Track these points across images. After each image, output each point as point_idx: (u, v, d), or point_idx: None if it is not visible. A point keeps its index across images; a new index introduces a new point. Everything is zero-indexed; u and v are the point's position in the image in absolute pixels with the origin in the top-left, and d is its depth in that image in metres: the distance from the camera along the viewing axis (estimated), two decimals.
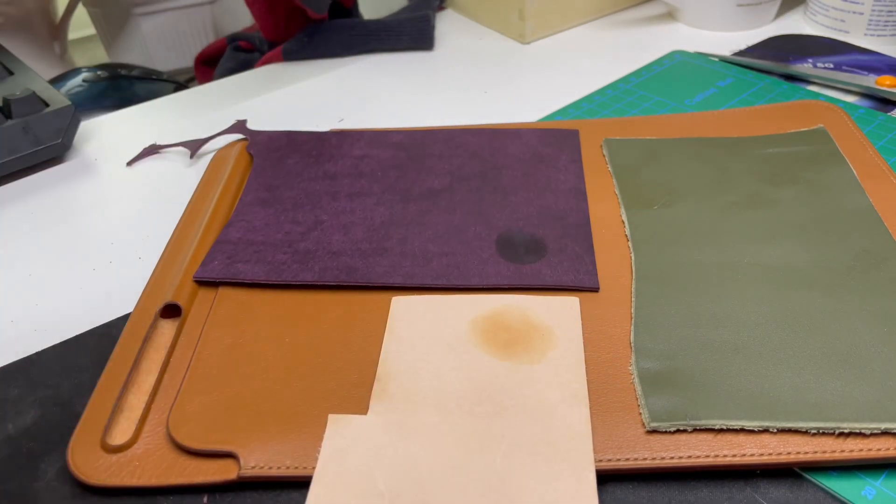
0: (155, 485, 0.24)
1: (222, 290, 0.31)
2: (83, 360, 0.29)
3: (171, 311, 0.30)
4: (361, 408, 0.25)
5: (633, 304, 0.29)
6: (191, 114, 0.47)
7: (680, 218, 0.33)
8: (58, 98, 0.42)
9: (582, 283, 0.30)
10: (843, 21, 0.49)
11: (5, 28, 0.61)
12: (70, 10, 0.67)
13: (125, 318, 0.31)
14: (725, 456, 0.23)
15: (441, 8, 0.59)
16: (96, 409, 0.26)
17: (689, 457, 0.23)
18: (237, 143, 0.41)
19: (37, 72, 0.46)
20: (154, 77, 0.60)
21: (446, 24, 0.56)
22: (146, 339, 0.29)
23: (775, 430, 0.23)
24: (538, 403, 0.24)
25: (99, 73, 0.57)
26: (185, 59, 0.69)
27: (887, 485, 0.23)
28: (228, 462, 0.24)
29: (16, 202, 0.40)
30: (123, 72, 0.59)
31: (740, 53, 0.48)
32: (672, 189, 0.34)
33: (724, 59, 0.48)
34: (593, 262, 0.31)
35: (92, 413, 0.26)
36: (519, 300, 0.29)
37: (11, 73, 0.45)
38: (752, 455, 0.23)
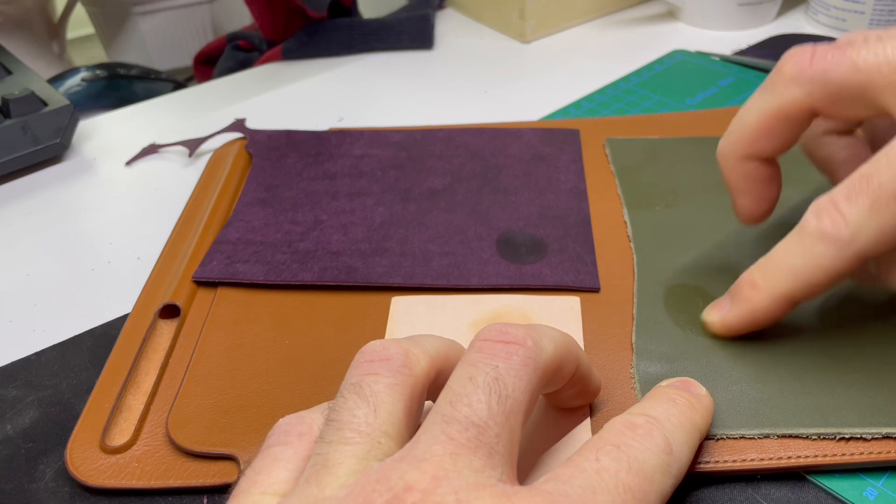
0: (154, 486, 0.24)
1: (221, 291, 0.31)
2: (82, 360, 0.29)
3: (170, 311, 0.30)
4: None
5: (634, 306, 0.28)
6: (190, 113, 0.47)
7: (682, 218, 0.32)
8: (56, 97, 0.42)
9: (583, 284, 0.30)
10: (844, 20, 0.48)
11: (4, 27, 0.61)
12: (69, 9, 0.67)
13: (124, 318, 0.31)
14: (727, 462, 0.23)
15: (441, 7, 0.59)
16: (95, 409, 0.26)
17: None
18: (236, 141, 0.41)
19: (35, 71, 0.46)
20: (153, 76, 0.60)
21: (446, 24, 0.56)
22: (145, 340, 0.29)
23: (776, 437, 0.23)
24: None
25: (98, 72, 0.57)
26: (183, 59, 0.69)
27: (889, 486, 0.23)
28: (228, 464, 0.24)
29: (14, 202, 0.40)
30: (122, 71, 0.58)
31: (741, 53, 0.48)
32: (674, 189, 0.34)
33: (725, 59, 0.47)
34: (594, 263, 0.31)
35: (90, 414, 0.26)
36: (519, 301, 0.29)
37: (10, 73, 0.45)
38: (752, 460, 0.23)
